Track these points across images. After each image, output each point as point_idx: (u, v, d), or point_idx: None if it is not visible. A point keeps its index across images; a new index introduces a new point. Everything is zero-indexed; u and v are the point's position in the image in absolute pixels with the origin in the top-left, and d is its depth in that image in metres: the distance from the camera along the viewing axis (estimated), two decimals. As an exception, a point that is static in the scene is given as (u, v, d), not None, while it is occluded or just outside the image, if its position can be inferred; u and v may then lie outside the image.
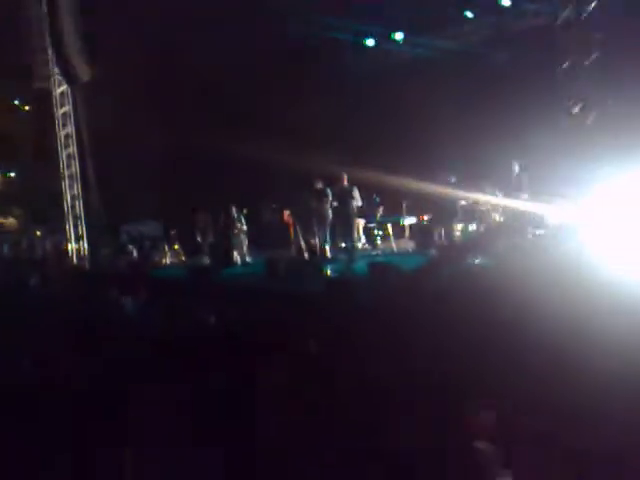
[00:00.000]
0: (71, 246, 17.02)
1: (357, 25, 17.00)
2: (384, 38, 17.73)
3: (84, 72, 15.59)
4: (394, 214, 14.93)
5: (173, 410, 4.59)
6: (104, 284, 10.28)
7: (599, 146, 12.63)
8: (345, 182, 12.93)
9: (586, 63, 13.19)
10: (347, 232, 12.99)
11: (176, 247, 16.76)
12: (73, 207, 17.12)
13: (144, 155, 16.36)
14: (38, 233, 21.92)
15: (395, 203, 14.53)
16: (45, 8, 15.83)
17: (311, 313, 6.99)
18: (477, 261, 11.95)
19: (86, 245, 16.99)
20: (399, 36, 17.55)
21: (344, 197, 12.94)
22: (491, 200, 12.66)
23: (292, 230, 14.23)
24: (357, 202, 12.98)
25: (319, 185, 13.56)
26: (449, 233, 13.06)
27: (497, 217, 12.82)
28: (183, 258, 16.57)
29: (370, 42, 18.02)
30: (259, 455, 4.18)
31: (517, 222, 12.28)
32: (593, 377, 4.08)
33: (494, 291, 6.41)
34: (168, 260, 16.57)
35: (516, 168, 12.56)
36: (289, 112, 16.33)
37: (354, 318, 6.16)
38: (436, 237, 13.03)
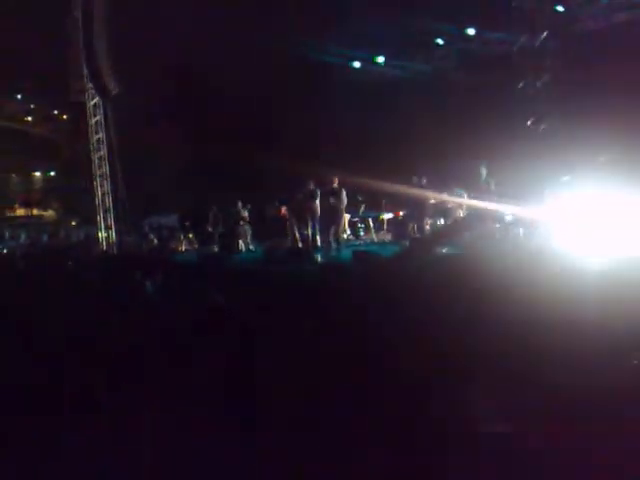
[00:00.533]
0: (101, 235, 17.02)
1: (345, 49, 16.95)
2: (368, 61, 17.71)
3: (114, 86, 15.57)
4: (374, 210, 14.95)
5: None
6: (128, 267, 10.25)
7: (549, 152, 12.69)
8: (335, 184, 12.97)
9: (538, 84, 13.22)
10: (335, 225, 13.01)
11: (190, 236, 16.70)
12: (103, 201, 17.14)
13: (166, 158, 16.33)
14: (73, 223, 21.90)
15: (375, 201, 14.53)
16: (81, 31, 15.82)
17: (304, 292, 7.02)
18: (444, 251, 12.04)
19: (114, 234, 16.99)
20: (381, 59, 17.53)
21: (333, 196, 12.97)
22: (456, 199, 12.66)
23: (288, 223, 14.22)
24: (344, 200, 13.03)
25: (311, 186, 13.58)
26: (421, 227, 13.06)
27: (461, 213, 12.79)
28: (196, 246, 16.52)
29: (357, 64, 17.99)
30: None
31: (480, 217, 12.27)
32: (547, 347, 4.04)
33: (459, 274, 6.44)
34: (183, 247, 16.51)
35: (484, 172, 12.54)
36: (289, 123, 16.33)
37: (341, 296, 6.20)
38: (410, 230, 13.03)
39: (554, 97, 13.12)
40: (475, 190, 12.39)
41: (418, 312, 4.96)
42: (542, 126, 13.44)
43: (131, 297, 7.68)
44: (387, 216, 14.23)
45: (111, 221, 16.97)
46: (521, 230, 11.67)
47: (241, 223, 15.22)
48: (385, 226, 14.99)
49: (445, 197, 12.84)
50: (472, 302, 4.95)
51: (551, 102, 13.26)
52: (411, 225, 13.14)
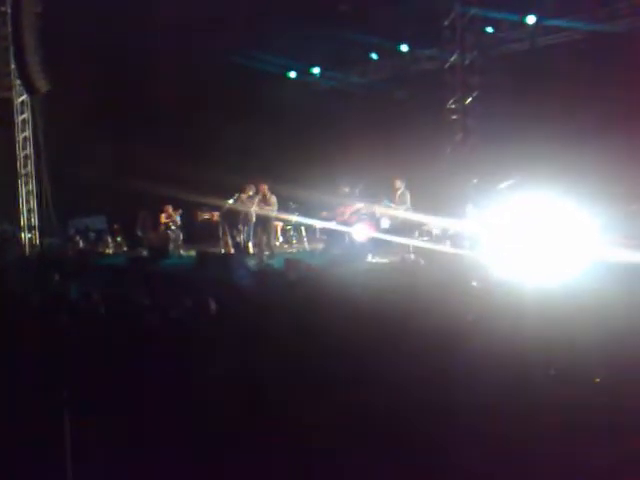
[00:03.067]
0: (24, 235, 16.17)
1: (282, 59, 16.75)
2: (304, 71, 17.55)
3: (42, 84, 14.89)
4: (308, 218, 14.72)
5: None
6: (52, 269, 9.75)
7: (475, 166, 12.89)
8: (266, 191, 12.73)
9: (468, 100, 13.40)
10: (267, 232, 12.75)
11: (118, 239, 16.15)
12: (27, 201, 16.36)
13: (95, 159, 15.68)
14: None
15: (309, 209, 14.37)
16: (9, 27, 15.21)
17: (233, 298, 6.78)
18: (372, 259, 12.03)
19: (38, 235, 16.14)
20: (316, 70, 17.39)
21: (265, 203, 12.74)
22: (384, 209, 12.67)
23: (220, 229, 13.87)
24: (275, 207, 12.83)
25: (244, 192, 13.29)
26: (351, 235, 12.94)
27: (386, 223, 12.83)
28: (124, 249, 15.98)
29: (292, 74, 17.81)
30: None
31: (404, 227, 12.37)
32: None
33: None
34: (111, 251, 15.89)
35: (401, 185, 12.62)
36: (223, 129, 15.99)
37: (270, 301, 6.02)
38: (344, 238, 12.88)
39: (481, 113, 13.35)
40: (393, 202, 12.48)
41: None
42: (469, 141, 13.65)
43: (53, 302, 7.24)
44: (320, 224, 14.03)
45: (35, 222, 16.20)
46: (448, 242, 11.77)
47: (172, 227, 14.76)
48: (318, 234, 14.81)
49: (376, 207, 12.77)
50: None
51: (478, 118, 13.48)
52: (344, 233, 12.96)
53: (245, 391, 4.02)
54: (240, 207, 13.33)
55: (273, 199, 12.69)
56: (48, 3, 14.57)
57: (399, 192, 12.51)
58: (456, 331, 4.46)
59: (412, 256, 11.73)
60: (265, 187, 12.74)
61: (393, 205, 12.59)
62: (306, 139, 16.36)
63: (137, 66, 15.41)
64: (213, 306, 5.97)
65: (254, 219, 13.32)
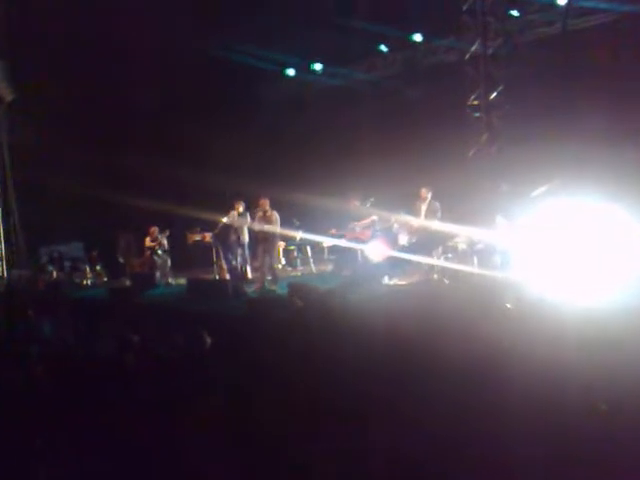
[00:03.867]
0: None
1: (278, 55, 16.90)
2: (304, 68, 17.70)
3: (7, 92, 15.05)
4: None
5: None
6: (22, 304, 9.79)
7: (504, 170, 12.90)
8: (267, 207, 12.76)
9: (492, 95, 13.45)
10: (267, 254, 12.77)
11: (98, 268, 16.20)
12: (-8, 228, 16.40)
13: (66, 176, 15.77)
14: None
15: (314, 226, 14.40)
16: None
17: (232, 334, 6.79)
18: (390, 281, 12.03)
19: (5, 266, 16.22)
20: (318, 67, 17.55)
21: (265, 220, 12.76)
22: (405, 222, 12.65)
23: (213, 251, 13.93)
24: (277, 225, 12.83)
25: (240, 208, 13.37)
26: (364, 254, 12.96)
27: (404, 239, 12.81)
28: (105, 279, 16.03)
29: (290, 72, 17.97)
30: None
31: (428, 243, 12.33)
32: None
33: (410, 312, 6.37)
34: (89, 281, 15.96)
35: (428, 195, 12.57)
36: (213, 137, 16.10)
37: (273, 333, 6.03)
38: (356, 258, 12.91)
39: (508, 110, 13.39)
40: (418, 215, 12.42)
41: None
42: (495, 143, 13.70)
43: (24, 339, 7.30)
44: (328, 242, 14.09)
45: (1, 251, 16.25)
46: (476, 259, 11.77)
47: (158, 252, 14.83)
48: (326, 255, 14.84)
49: (393, 220, 12.80)
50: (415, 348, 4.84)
51: (505, 115, 13.53)
52: (357, 252, 12.99)
53: (244, 450, 4.05)
54: (236, 226, 13.39)
55: (275, 215, 12.72)
56: (11, 8, 14.80)
57: (426, 202, 12.46)
58: (488, 362, 4.46)
59: (435, 276, 11.76)
60: (266, 202, 12.77)
61: (418, 218, 12.54)
62: (308, 146, 16.49)
63: (113, 67, 15.53)
64: (208, 341, 5.99)
65: (246, 239, 13.40)
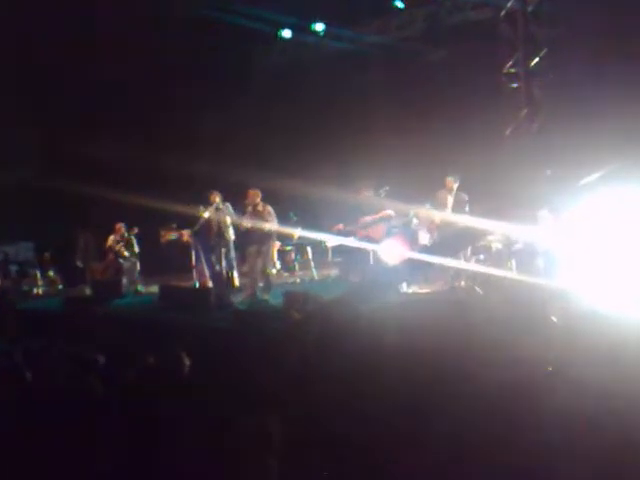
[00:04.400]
0: None
1: (272, 14, 16.89)
2: (302, 29, 17.70)
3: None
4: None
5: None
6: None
7: (547, 153, 12.88)
8: (257, 199, 12.70)
9: (533, 61, 13.44)
10: (260, 256, 12.74)
11: (51, 274, 16.25)
12: None
13: (11, 164, 15.82)
14: None
15: (316, 221, 14.41)
16: None
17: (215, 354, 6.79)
18: (409, 289, 12.02)
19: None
20: (320, 27, 17.54)
21: (256, 216, 12.70)
22: (429, 216, 12.62)
23: (192, 253, 13.92)
24: (271, 220, 12.75)
25: (217, 199, 13.32)
26: (377, 256, 12.94)
27: (426, 238, 12.79)
28: (59, 287, 16.09)
29: (286, 34, 17.96)
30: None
31: (455, 242, 12.30)
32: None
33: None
34: (40, 289, 16.01)
35: (454, 185, 12.55)
36: (191, 113, 16.13)
37: (265, 353, 6.04)
38: (367, 260, 12.88)
39: (552, 79, 13.39)
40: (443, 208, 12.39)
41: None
42: (538, 119, 13.70)
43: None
44: (333, 241, 14.07)
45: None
46: (513, 262, 11.78)
47: (125, 253, 14.86)
48: (330, 256, 14.83)
49: (412, 213, 12.80)
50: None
51: (549, 85, 13.53)
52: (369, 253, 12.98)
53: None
54: (220, 222, 13.37)
55: (268, 209, 12.67)
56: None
57: (453, 194, 12.42)
58: (529, 388, 4.45)
59: (464, 283, 11.75)
60: (256, 194, 12.72)
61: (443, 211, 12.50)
62: (308, 123, 16.47)
63: (72, 28, 15.53)
64: (186, 362, 5.99)
65: (232, 237, 13.38)
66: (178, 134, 16.19)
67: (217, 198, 13.34)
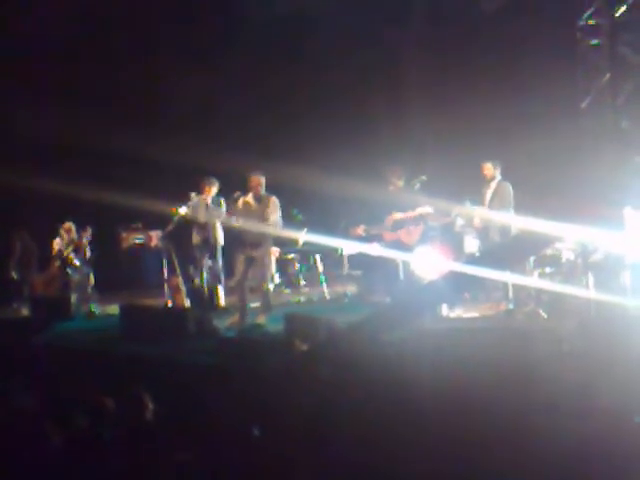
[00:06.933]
0: None
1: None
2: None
3: None
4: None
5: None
6: None
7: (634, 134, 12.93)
8: (259, 189, 12.62)
9: (620, 10, 13.45)
10: (263, 266, 12.71)
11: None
12: None
13: None
14: None
15: (327, 221, 14.45)
16: None
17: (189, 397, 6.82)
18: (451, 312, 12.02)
19: None
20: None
21: (253, 213, 12.65)
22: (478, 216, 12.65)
23: (165, 263, 13.95)
24: (274, 219, 12.71)
25: (213, 191, 13.30)
26: (409, 268, 12.94)
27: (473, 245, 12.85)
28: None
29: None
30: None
31: (513, 251, 12.30)
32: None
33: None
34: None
35: (495, 173, 12.60)
36: (164, 79, 16.23)
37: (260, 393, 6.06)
38: (395, 274, 12.89)
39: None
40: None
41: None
42: (623, 91, 13.72)
43: None
44: (351, 249, 14.09)
45: None
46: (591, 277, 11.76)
47: (75, 262, 14.89)
48: (346, 268, 14.82)
49: (456, 212, 12.81)
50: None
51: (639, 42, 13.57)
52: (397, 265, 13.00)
53: None
54: (202, 221, 13.35)
55: (273, 202, 12.62)
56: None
57: (492, 185, 12.54)
58: (616, 443, 4.43)
59: (525, 305, 11.72)
60: (259, 180, 12.59)
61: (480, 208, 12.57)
62: (318, 89, 16.48)
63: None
64: (150, 407, 6.01)
65: (220, 241, 13.36)
66: (148, 107, 16.27)
67: (212, 189, 13.23)
